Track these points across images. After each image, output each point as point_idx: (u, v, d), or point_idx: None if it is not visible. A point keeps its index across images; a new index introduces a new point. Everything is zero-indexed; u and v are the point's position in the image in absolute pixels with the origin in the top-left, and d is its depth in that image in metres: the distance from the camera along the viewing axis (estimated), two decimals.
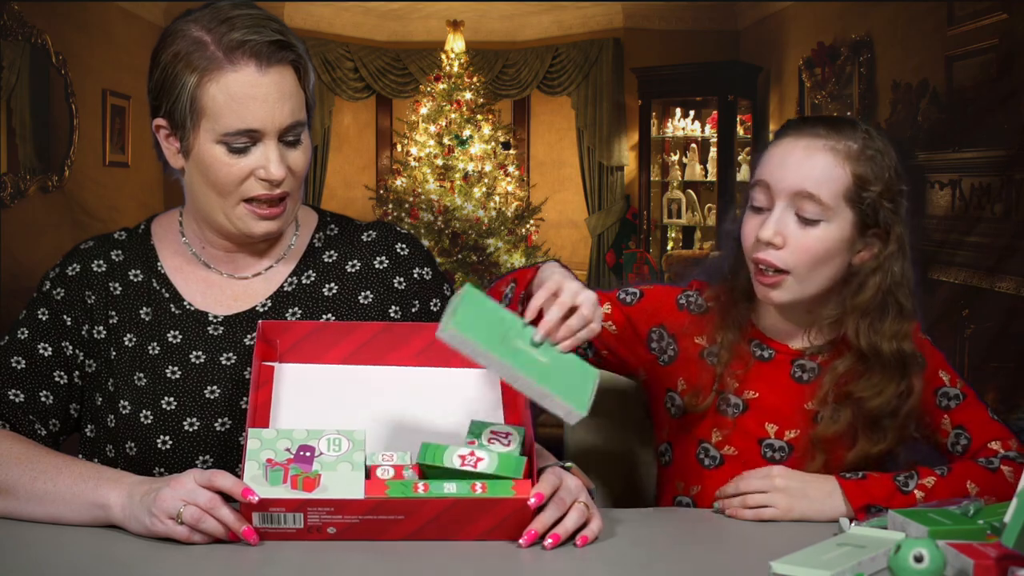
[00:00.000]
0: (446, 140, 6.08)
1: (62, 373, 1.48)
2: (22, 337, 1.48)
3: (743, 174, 6.25)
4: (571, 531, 1.26)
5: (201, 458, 1.43)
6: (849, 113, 5.30)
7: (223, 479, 1.22)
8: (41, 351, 1.47)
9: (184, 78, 1.39)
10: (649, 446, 1.74)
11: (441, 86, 6.18)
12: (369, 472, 1.23)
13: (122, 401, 1.45)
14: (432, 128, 6.08)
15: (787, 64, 6.18)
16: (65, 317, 1.49)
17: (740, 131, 6.68)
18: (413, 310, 1.54)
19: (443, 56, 6.26)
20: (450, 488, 1.21)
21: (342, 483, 1.21)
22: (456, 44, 6.35)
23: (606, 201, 7.45)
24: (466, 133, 6.10)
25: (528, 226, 6.24)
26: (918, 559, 1.10)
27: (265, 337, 1.38)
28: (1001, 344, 3.98)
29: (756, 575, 1.18)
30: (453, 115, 6.15)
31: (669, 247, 7.09)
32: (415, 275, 1.55)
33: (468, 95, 6.19)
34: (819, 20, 5.72)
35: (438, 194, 5.98)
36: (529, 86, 7.70)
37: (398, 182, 6.17)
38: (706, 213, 6.90)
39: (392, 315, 1.52)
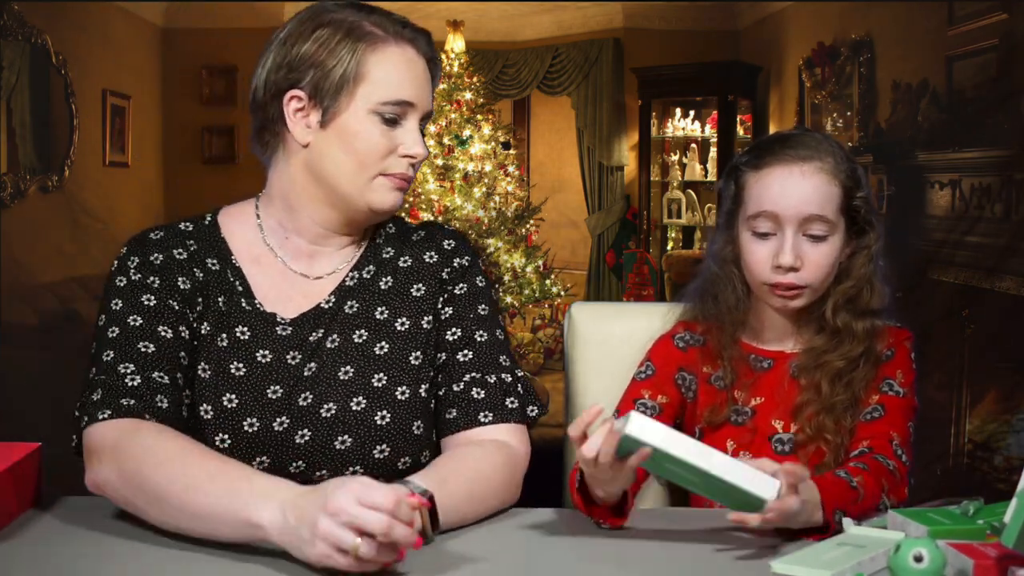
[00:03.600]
0: (446, 140, 6.07)
1: (184, 355, 1.44)
2: (135, 324, 1.42)
3: None
4: None
5: (258, 459, 1.41)
6: (849, 113, 5.30)
7: (377, 494, 1.13)
8: (163, 333, 1.42)
9: (348, 44, 1.44)
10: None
11: (441, 86, 6.17)
12: None
13: (185, 391, 1.42)
14: (432, 128, 6.08)
15: (787, 64, 6.18)
16: (172, 303, 1.45)
17: (740, 131, 6.68)
18: (444, 296, 1.54)
19: (443, 56, 6.25)
20: None
21: None
22: (456, 44, 6.35)
23: (606, 201, 7.45)
24: (466, 133, 6.10)
25: (528, 226, 6.23)
26: (918, 559, 1.10)
27: None
28: (1001, 344, 3.97)
29: (756, 575, 1.18)
30: (453, 115, 6.14)
31: (669, 247, 7.09)
32: (455, 264, 1.55)
33: (468, 95, 6.18)
34: (819, 20, 5.71)
35: (438, 194, 5.97)
36: (529, 86, 7.69)
37: None
38: (706, 213, 6.90)
39: (438, 306, 1.53)
